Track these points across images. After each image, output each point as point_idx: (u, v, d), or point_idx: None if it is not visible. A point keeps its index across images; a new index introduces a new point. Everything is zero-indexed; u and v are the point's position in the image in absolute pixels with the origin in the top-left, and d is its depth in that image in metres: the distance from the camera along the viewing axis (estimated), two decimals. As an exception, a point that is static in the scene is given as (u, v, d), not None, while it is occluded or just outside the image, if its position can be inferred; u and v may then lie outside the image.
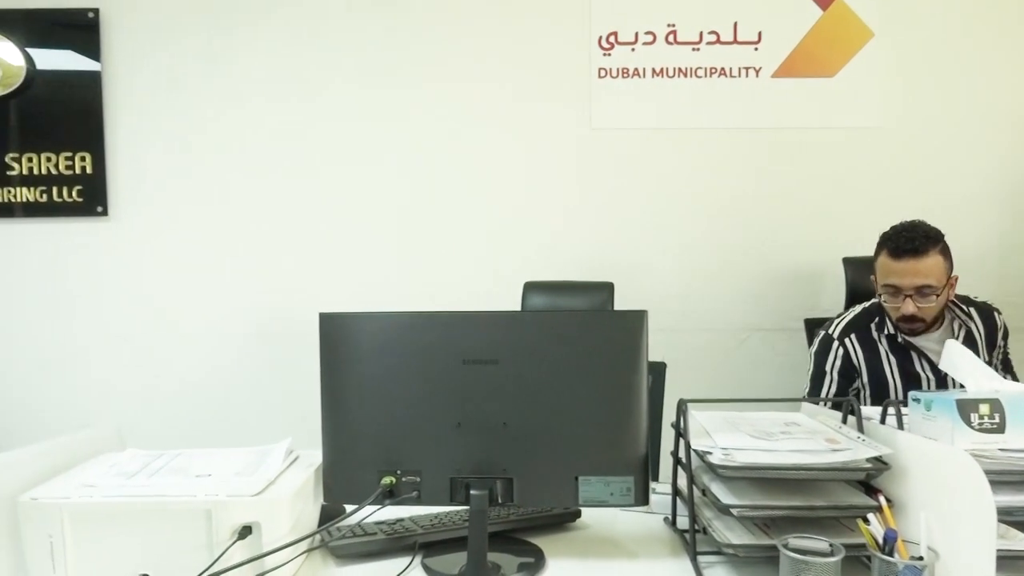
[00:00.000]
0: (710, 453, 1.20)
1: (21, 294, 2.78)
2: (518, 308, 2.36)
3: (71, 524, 1.18)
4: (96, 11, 2.71)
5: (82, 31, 2.72)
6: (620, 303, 2.35)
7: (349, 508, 1.36)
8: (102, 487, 1.23)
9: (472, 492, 1.21)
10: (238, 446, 1.45)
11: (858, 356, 2.08)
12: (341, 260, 2.77)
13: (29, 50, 2.72)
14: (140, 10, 2.72)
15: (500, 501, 1.23)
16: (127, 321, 2.78)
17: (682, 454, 1.31)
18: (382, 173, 2.76)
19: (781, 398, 1.79)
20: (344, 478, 1.27)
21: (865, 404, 1.83)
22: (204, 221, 2.76)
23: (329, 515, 1.41)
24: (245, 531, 1.16)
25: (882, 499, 1.12)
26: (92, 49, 2.72)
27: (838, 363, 2.10)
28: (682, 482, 1.36)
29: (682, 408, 1.32)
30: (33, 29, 2.72)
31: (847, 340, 2.09)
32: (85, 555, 1.19)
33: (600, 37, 2.74)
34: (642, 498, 1.22)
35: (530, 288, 2.36)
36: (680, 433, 1.32)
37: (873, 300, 2.12)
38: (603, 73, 2.74)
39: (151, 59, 2.73)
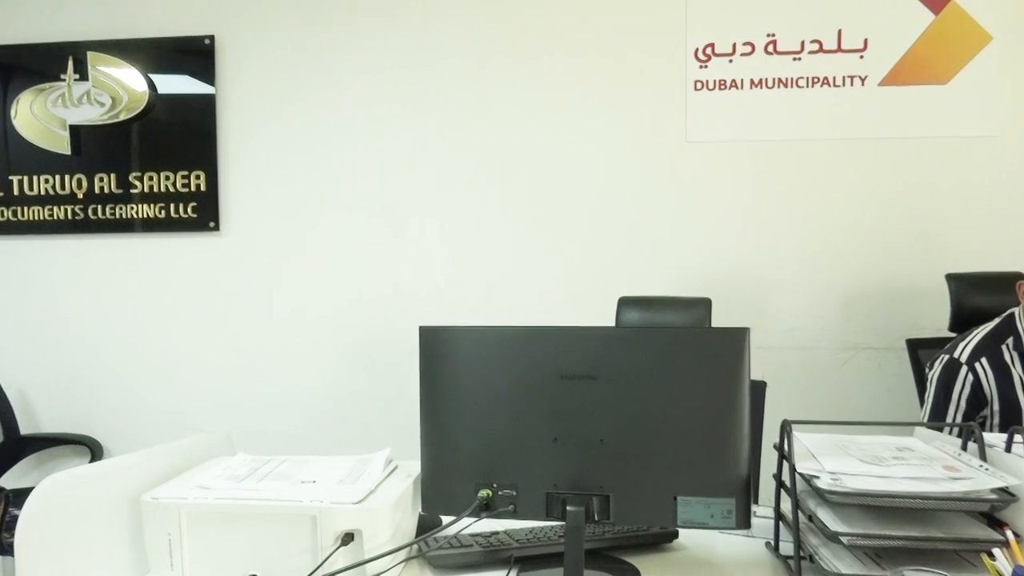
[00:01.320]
0: (817, 477, 1.15)
1: (139, 304, 2.97)
2: (612, 323, 2.35)
3: (188, 523, 1.25)
4: (212, 38, 2.88)
5: (199, 57, 2.89)
6: (717, 319, 2.30)
7: (445, 519, 1.38)
8: (215, 489, 1.29)
9: (568, 508, 1.20)
10: (338, 454, 1.50)
11: (989, 382, 1.93)
12: (440, 273, 2.82)
13: (151, 76, 2.92)
14: (252, 36, 2.87)
15: (596, 518, 1.22)
16: (235, 331, 2.92)
17: (786, 477, 1.27)
18: (480, 188, 2.81)
19: (895, 422, 1.70)
20: (441, 489, 1.29)
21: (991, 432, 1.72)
22: (308, 236, 2.88)
23: (425, 525, 1.43)
24: (348, 538, 1.20)
25: (1009, 533, 1.05)
26: (207, 74, 2.89)
27: (966, 390, 1.95)
28: (786, 506, 1.31)
29: (786, 429, 1.27)
30: (155, 56, 2.92)
31: (977, 365, 1.94)
32: (199, 553, 1.26)
33: (696, 49, 2.70)
34: (744, 521, 1.19)
35: (625, 303, 2.34)
36: (784, 455, 1.28)
37: (1003, 316, 1.99)
38: (699, 85, 2.70)
39: (261, 82, 2.88)
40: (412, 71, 2.81)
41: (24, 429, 2.96)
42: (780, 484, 1.33)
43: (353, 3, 2.82)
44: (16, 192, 2.97)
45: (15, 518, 2.42)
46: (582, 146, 2.76)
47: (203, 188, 2.90)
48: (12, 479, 2.92)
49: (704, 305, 2.26)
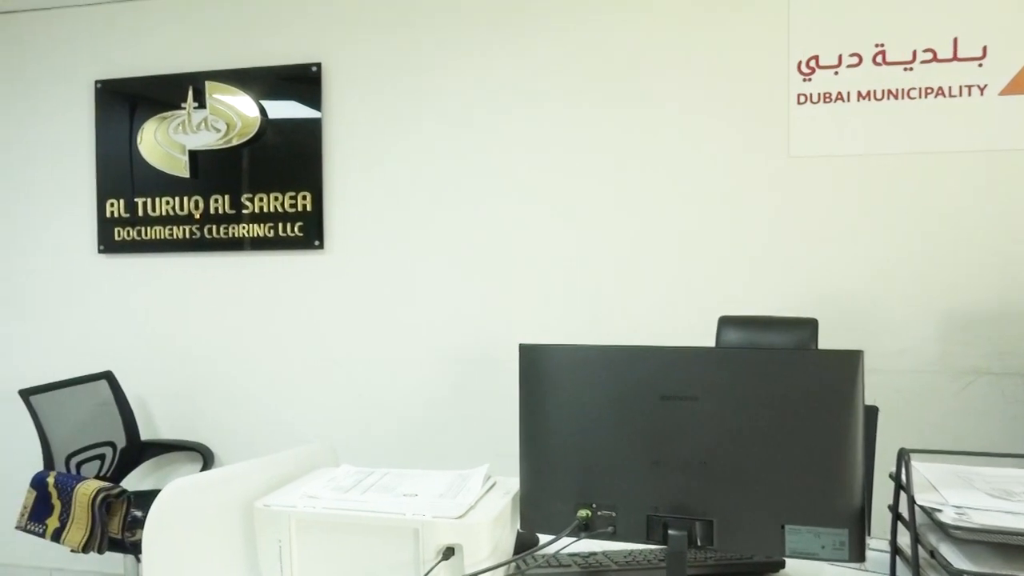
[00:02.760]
0: (939, 511, 1.09)
1: (249, 319, 3.12)
2: (712, 343, 2.29)
3: (297, 531, 1.30)
4: (319, 65, 3.01)
5: (306, 84, 3.03)
6: (823, 341, 2.21)
7: (542, 537, 1.37)
8: (323, 499, 1.33)
9: (670, 532, 1.18)
10: (436, 468, 1.52)
11: None
12: (539, 292, 2.83)
13: (263, 102, 3.08)
14: (356, 63, 2.99)
15: (699, 544, 1.19)
16: (338, 345, 3.03)
17: (903, 509, 1.20)
18: (579, 208, 2.81)
19: (1024, 454, 1.58)
20: (540, 507, 1.29)
21: None
22: (409, 254, 2.95)
23: (523, 542, 1.43)
24: (448, 552, 1.21)
25: None
26: (314, 99, 3.02)
27: None
28: (903, 541, 1.23)
29: (904, 458, 1.21)
30: (266, 84, 3.08)
31: None
32: (308, 560, 1.30)
33: (800, 62, 2.62)
34: (858, 554, 1.13)
35: (725, 323, 2.28)
36: (902, 486, 1.21)
37: None
38: (802, 99, 2.62)
39: (364, 106, 2.99)
40: (512, 94, 2.85)
41: (144, 435, 3.15)
42: (897, 516, 1.26)
43: (451, 30, 2.89)
44: (140, 213, 3.19)
45: (135, 518, 2.58)
46: (682, 163, 2.72)
47: (309, 208, 3.03)
48: (132, 481, 3.11)
49: (810, 326, 2.18)
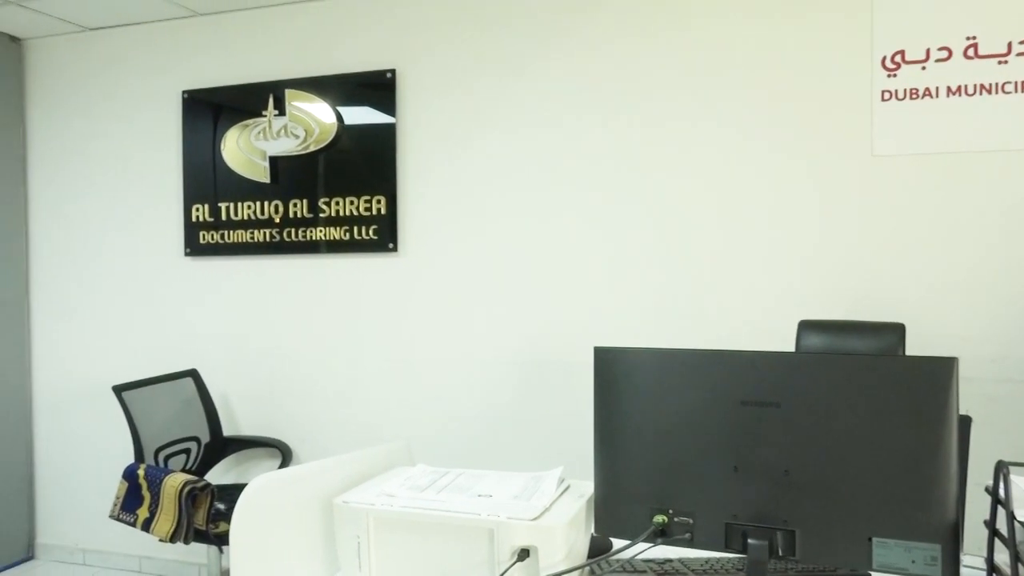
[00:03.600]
0: (1042, 527, 1.03)
1: (325, 320, 3.20)
2: (791, 348, 2.23)
3: (375, 528, 1.32)
4: (393, 71, 3.07)
5: (381, 89, 3.10)
6: (912, 347, 2.12)
7: (616, 541, 1.36)
8: (400, 497, 1.36)
9: (750, 541, 1.15)
10: (509, 469, 1.53)
11: None
12: (615, 294, 2.81)
13: (339, 108, 3.16)
14: (430, 69, 3.03)
15: (780, 554, 1.16)
16: (411, 346, 3.08)
17: (1001, 525, 1.14)
18: (655, 209, 2.77)
19: None
20: (615, 512, 1.28)
21: None
22: (482, 256, 2.98)
23: (597, 546, 1.43)
24: (523, 554, 1.22)
25: None
26: (389, 104, 3.08)
27: None
28: (1001, 558, 1.17)
29: (1002, 471, 1.15)
30: (342, 91, 3.15)
31: None
32: (385, 557, 1.33)
33: (884, 57, 2.53)
34: (951, 571, 1.08)
35: (806, 327, 2.22)
36: (1000, 501, 1.15)
37: None
38: (887, 96, 2.52)
39: (437, 111, 3.03)
40: (587, 96, 2.84)
41: (226, 431, 3.27)
42: (994, 532, 1.20)
43: (525, 36, 2.90)
44: (224, 217, 3.32)
45: (218, 511, 2.67)
46: (760, 162, 2.65)
47: (383, 211, 3.09)
48: (215, 475, 3.23)
49: (897, 331, 2.10)
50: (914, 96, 2.50)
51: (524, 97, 2.92)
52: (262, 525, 1.28)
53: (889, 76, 2.52)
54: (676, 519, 1.22)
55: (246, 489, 1.26)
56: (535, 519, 1.23)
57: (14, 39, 3.60)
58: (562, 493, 1.38)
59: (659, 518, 1.23)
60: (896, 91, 2.51)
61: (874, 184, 2.54)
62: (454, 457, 2.93)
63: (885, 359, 1.55)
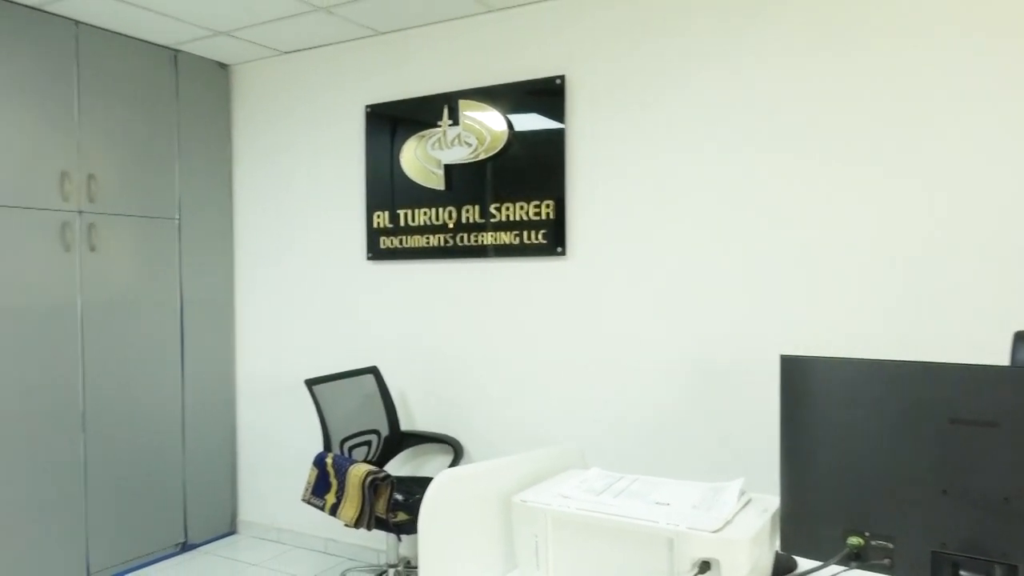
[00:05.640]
0: None
1: (496, 322, 3.29)
2: (1004, 362, 2.01)
3: (553, 528, 1.34)
4: (562, 78, 3.11)
5: (550, 96, 3.14)
6: None
7: (803, 561, 1.29)
8: (576, 500, 1.37)
9: (962, 573, 1.05)
10: (681, 478, 1.49)
11: None
12: (796, 299, 2.67)
13: (509, 116, 3.24)
14: (599, 74, 3.04)
15: (998, 590, 1.05)
16: (580, 349, 3.09)
17: None
18: (842, 208, 2.61)
19: None
20: (803, 530, 1.22)
21: None
22: (651, 261, 2.94)
23: (781, 564, 1.36)
24: (704, 566, 1.18)
25: None
26: (558, 110, 3.12)
27: None
28: None
29: None
30: (512, 99, 3.24)
31: None
32: (562, 557, 1.34)
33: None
34: None
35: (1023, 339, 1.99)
36: None
37: None
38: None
39: (606, 116, 3.03)
40: (763, 98, 2.73)
41: (403, 426, 3.46)
42: None
43: (694, 41, 2.84)
44: (402, 223, 3.51)
45: (397, 501, 2.83)
46: (977, 153, 2.42)
47: (552, 216, 3.13)
48: (392, 467, 3.42)
49: None
50: None
51: (695, 101, 2.85)
52: (446, 518, 1.34)
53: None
54: (873, 542, 1.14)
55: (432, 483, 1.33)
56: (716, 531, 1.20)
57: (223, 65, 4.02)
58: (744, 506, 1.33)
59: (854, 540, 1.15)
60: None
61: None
62: (623, 462, 2.92)
63: None
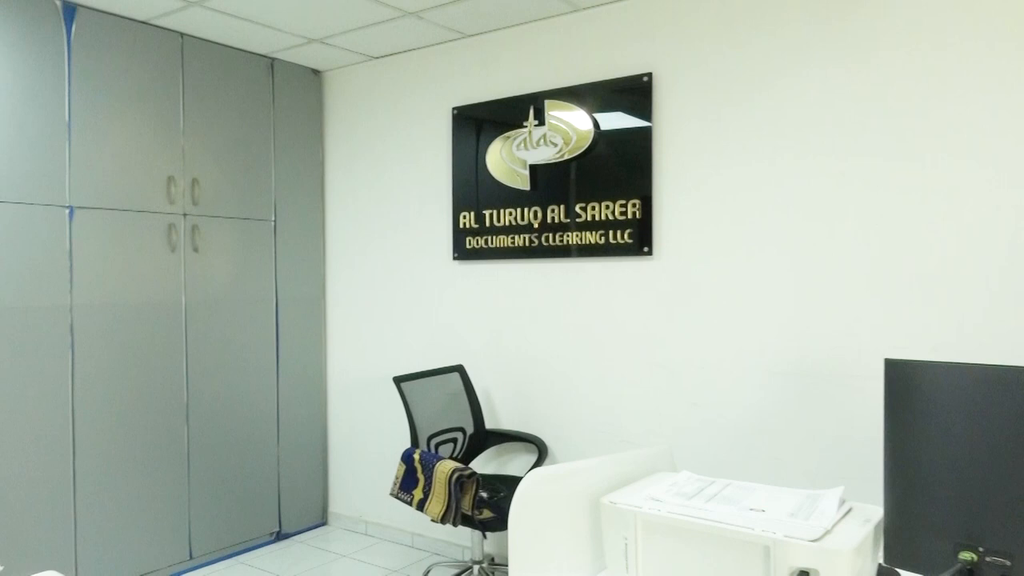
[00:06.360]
0: None
1: (580, 322, 3.28)
2: None
3: (643, 531, 1.33)
4: (650, 75, 3.07)
5: (637, 94, 3.11)
6: None
7: (906, 575, 1.23)
8: (667, 503, 1.35)
9: (1090, 594, 0.98)
10: (771, 484, 1.45)
11: None
12: (896, 302, 2.55)
13: (595, 115, 3.22)
14: (688, 71, 2.98)
15: None
16: (665, 351, 3.05)
17: None
18: (950, 204, 2.48)
19: None
20: (910, 542, 1.16)
21: None
22: (741, 261, 2.86)
23: (884, 578, 1.30)
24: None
25: None
26: (645, 109, 3.08)
27: None
28: None
29: None
30: (598, 97, 3.22)
31: None
32: (652, 560, 1.33)
33: None
34: None
35: None
36: None
37: None
38: None
39: (695, 113, 2.97)
40: (858, 93, 2.62)
41: (488, 424, 3.49)
42: None
43: (783, 37, 2.75)
44: (487, 224, 3.54)
45: (482, 499, 2.86)
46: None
47: (638, 215, 3.10)
48: (476, 465, 3.46)
49: None
50: None
51: (784, 97, 2.76)
52: (536, 516, 1.35)
53: None
54: (988, 558, 1.08)
55: (523, 482, 1.33)
56: (816, 540, 1.16)
57: (316, 71, 4.16)
58: (844, 515, 1.28)
59: (966, 555, 1.09)
60: None
61: None
62: (712, 466, 2.86)
63: None
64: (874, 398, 2.47)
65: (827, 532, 1.19)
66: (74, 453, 3.13)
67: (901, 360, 1.17)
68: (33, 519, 3.00)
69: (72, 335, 3.13)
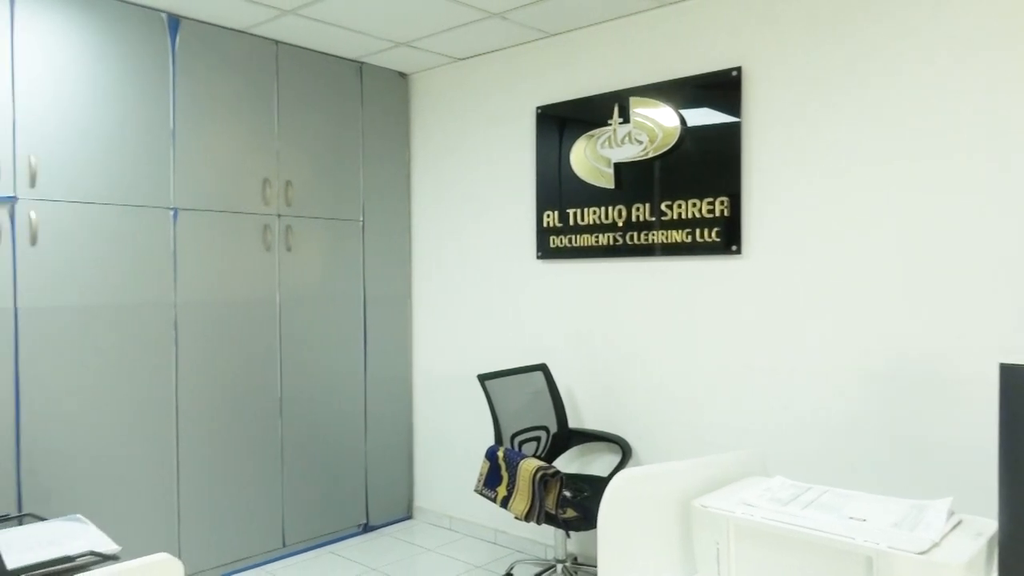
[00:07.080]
0: None
1: (666, 322, 3.23)
2: None
3: (735, 536, 1.30)
4: (738, 69, 2.99)
5: (725, 89, 3.03)
6: None
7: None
8: (761, 508, 1.31)
9: None
10: (868, 491, 1.39)
11: None
12: (1011, 304, 2.40)
13: (681, 112, 3.16)
14: (778, 65, 2.89)
15: None
16: (754, 352, 2.96)
17: None
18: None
19: None
20: (1028, 559, 1.09)
21: None
22: (836, 259, 2.75)
23: (998, 596, 1.23)
24: (909, 589, 1.10)
25: None
26: (733, 104, 3.01)
27: None
28: None
29: None
30: (685, 93, 3.16)
31: None
32: (745, 566, 1.29)
33: None
34: None
35: None
36: None
37: None
38: None
39: (786, 108, 2.88)
40: (955, 90, 2.48)
41: (571, 424, 3.49)
42: None
43: (880, 28, 2.62)
44: (571, 222, 3.53)
45: (565, 498, 2.85)
46: None
47: (727, 213, 3.02)
48: (560, 464, 3.45)
49: None
50: None
51: (882, 90, 2.64)
52: (625, 517, 1.34)
53: None
54: (1118, 579, 1.00)
55: (611, 482, 1.32)
56: (924, 552, 1.10)
57: (402, 74, 4.25)
58: (953, 527, 1.21)
59: (1093, 575, 1.02)
60: None
61: None
62: (805, 472, 2.77)
63: None
64: (981, 402, 2.32)
65: (935, 545, 1.13)
66: (177, 444, 3.30)
67: (1018, 365, 1.10)
68: (142, 506, 3.19)
69: (176, 331, 3.30)
